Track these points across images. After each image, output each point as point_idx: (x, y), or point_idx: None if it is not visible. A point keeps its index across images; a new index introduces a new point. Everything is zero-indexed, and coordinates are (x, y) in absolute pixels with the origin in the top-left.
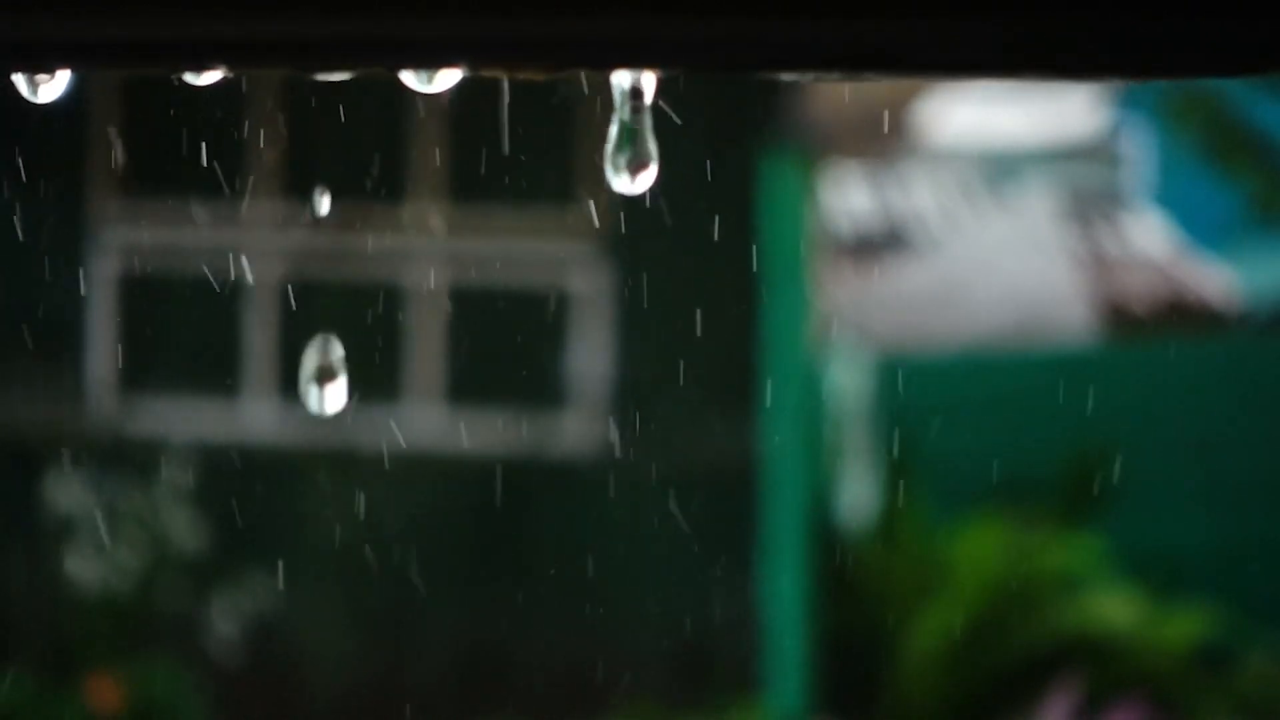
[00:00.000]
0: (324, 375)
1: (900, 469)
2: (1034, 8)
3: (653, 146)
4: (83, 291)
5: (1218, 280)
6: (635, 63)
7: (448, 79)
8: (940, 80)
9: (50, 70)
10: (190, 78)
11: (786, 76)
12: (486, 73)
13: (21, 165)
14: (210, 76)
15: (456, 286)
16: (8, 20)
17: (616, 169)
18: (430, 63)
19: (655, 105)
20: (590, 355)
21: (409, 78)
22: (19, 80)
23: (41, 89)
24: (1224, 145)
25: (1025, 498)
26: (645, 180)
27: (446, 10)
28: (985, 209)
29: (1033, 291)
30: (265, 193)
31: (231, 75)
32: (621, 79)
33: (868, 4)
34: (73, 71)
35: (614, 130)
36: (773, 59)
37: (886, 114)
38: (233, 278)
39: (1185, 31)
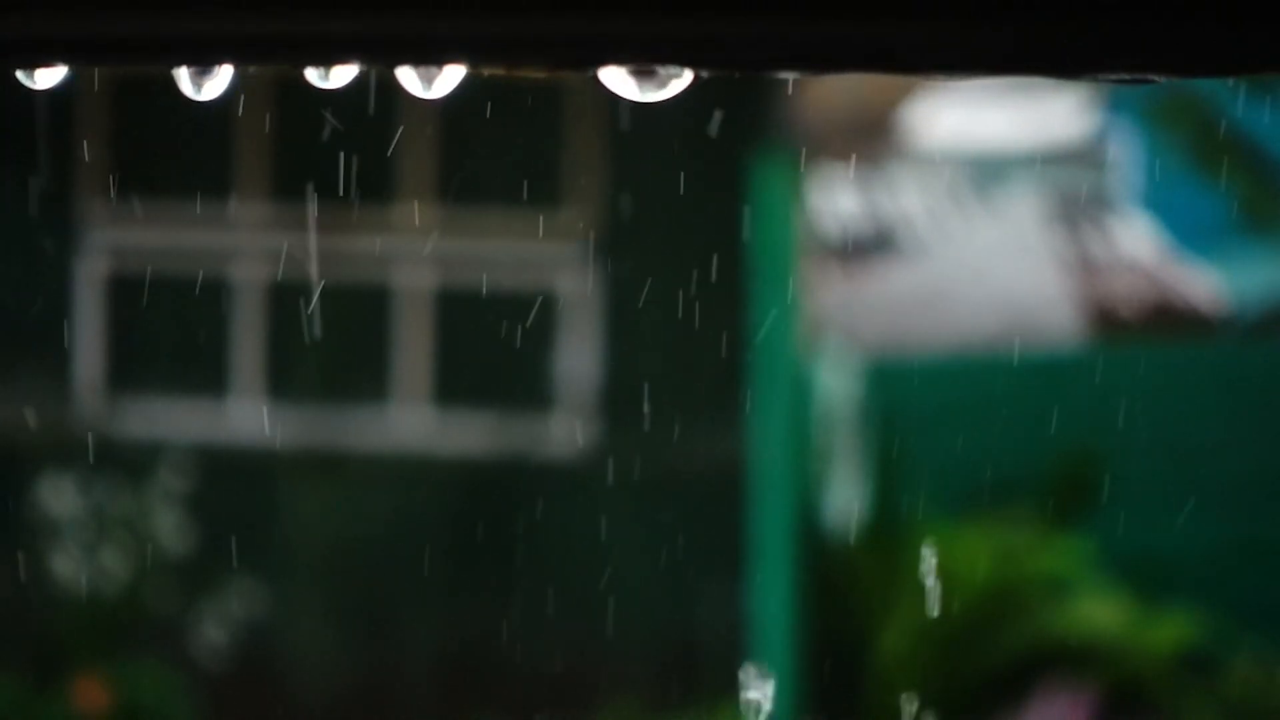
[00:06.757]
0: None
1: (888, 472)
2: (1032, 9)
3: None
4: (70, 292)
5: (1204, 285)
6: (637, 60)
7: (447, 84)
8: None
9: (49, 66)
10: (193, 91)
11: (789, 76)
12: (487, 70)
13: (9, 165)
14: (213, 90)
15: (444, 288)
16: (4, 17)
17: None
18: (430, 60)
19: (647, 107)
20: (578, 357)
21: (409, 82)
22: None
23: None
24: (1211, 150)
25: (1012, 501)
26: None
27: (448, 7)
28: (973, 212)
29: (1020, 295)
30: (253, 194)
31: (234, 74)
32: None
33: (870, 5)
34: (71, 68)
35: None
36: (776, 59)
37: (874, 117)
38: (221, 279)
39: (1180, 32)
